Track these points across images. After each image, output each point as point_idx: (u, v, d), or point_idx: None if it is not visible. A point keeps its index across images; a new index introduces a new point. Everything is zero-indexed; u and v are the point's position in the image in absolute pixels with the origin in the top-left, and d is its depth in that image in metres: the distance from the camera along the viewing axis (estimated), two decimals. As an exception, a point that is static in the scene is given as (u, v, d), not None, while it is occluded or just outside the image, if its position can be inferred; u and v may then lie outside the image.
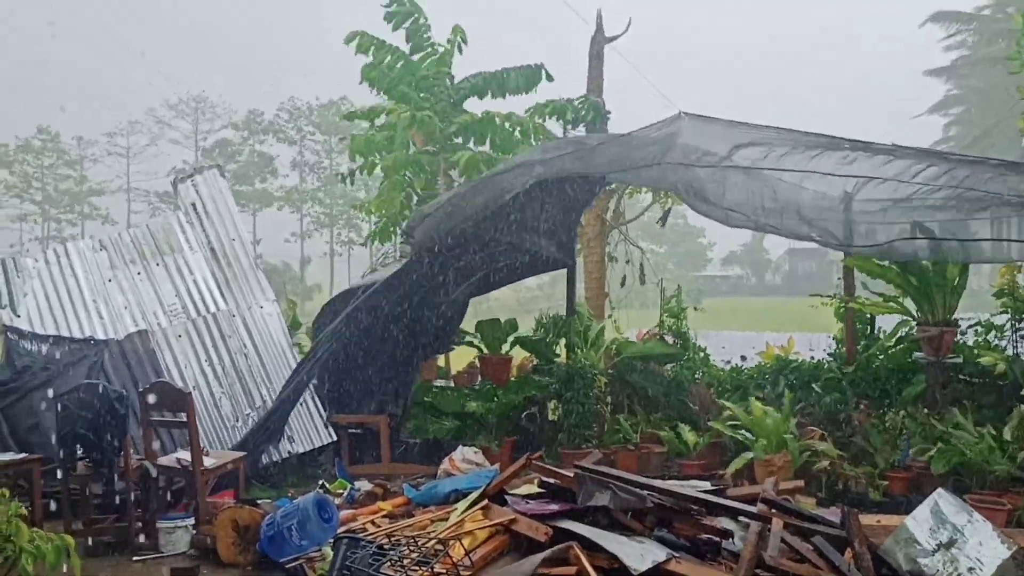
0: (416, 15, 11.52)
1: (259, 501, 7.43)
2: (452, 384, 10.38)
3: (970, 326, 8.58)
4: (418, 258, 9.00)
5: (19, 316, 8.76)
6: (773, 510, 5.74)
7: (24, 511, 4.12)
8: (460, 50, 11.73)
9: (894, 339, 8.76)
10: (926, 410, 7.85)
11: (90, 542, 6.61)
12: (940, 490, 5.27)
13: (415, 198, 11.89)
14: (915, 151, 6.73)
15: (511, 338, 9.98)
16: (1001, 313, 8.56)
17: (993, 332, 8.56)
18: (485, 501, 6.12)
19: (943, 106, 41.23)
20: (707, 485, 6.69)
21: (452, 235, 8.83)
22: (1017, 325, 8.36)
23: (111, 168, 63.54)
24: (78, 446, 6.66)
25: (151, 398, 7.10)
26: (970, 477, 7.24)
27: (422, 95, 11.50)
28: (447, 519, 6.18)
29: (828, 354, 9.08)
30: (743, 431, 8.07)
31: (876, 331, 9.01)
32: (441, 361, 11.03)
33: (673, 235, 58.16)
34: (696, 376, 9.59)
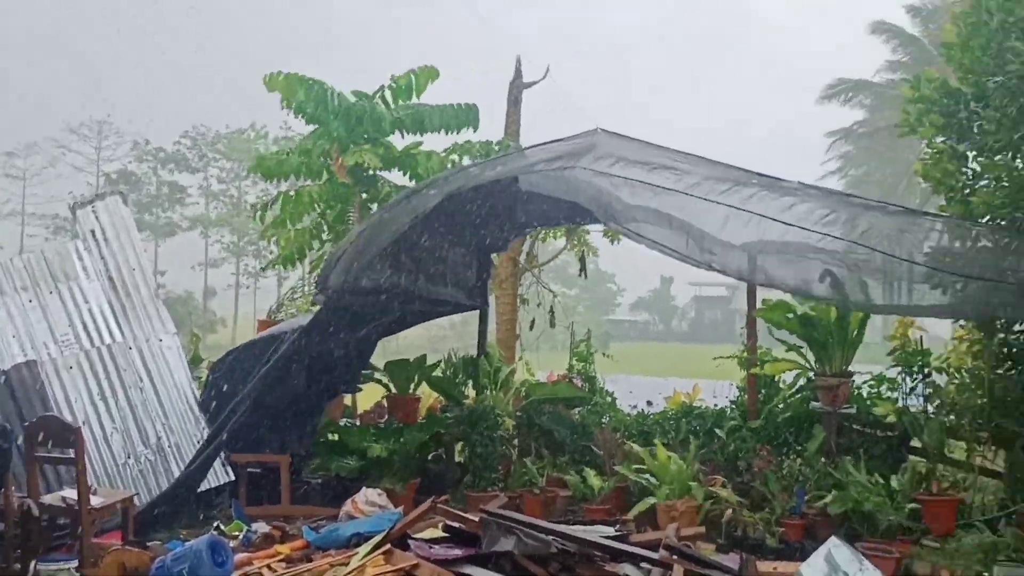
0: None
1: (149, 543, 7.12)
2: (358, 423, 10.22)
3: (865, 382, 8.92)
4: (331, 306, 8.82)
5: None
6: (674, 556, 5.80)
7: None
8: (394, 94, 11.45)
9: (794, 388, 9.02)
10: (823, 458, 8.07)
11: (-38, 585, 6.22)
12: (834, 538, 5.41)
13: (325, 229, 11.68)
14: (821, 192, 6.99)
15: (421, 377, 9.89)
16: (893, 366, 8.91)
17: (886, 384, 8.91)
18: (388, 545, 6.01)
19: (845, 166, 43.15)
20: (611, 530, 6.73)
21: (365, 274, 8.71)
22: (907, 379, 8.72)
23: (5, 190, 61.14)
24: (-46, 483, 6.28)
25: (38, 433, 6.76)
26: (862, 525, 7.44)
27: (348, 124, 11.16)
28: (347, 563, 6.04)
29: (731, 401, 9.28)
30: (647, 476, 8.15)
31: (777, 379, 9.25)
32: (348, 400, 10.85)
33: (585, 279, 58.82)
34: (603, 420, 9.66)
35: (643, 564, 5.86)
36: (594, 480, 8.60)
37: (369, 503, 8.19)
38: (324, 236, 11.69)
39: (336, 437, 9.47)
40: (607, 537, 6.21)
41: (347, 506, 8.21)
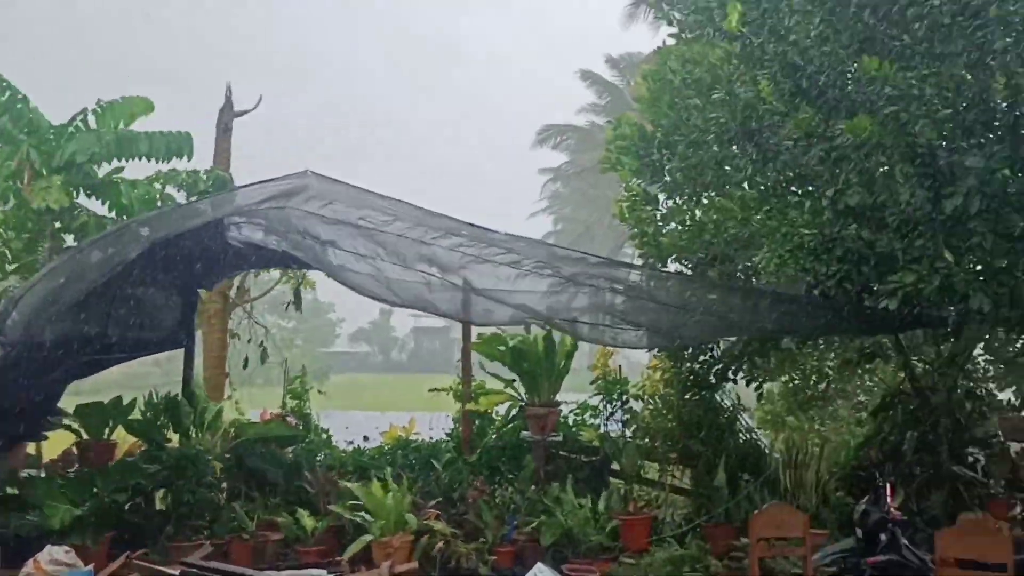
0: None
1: None
2: (43, 474, 9.19)
3: (571, 410, 9.44)
4: (10, 361, 7.81)
5: None
6: (388, 595, 5.74)
7: None
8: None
9: (506, 419, 9.34)
10: (533, 485, 8.40)
11: None
12: (539, 564, 5.64)
13: (9, 259, 10.43)
14: (528, 242, 7.35)
15: (117, 421, 9.10)
16: (596, 395, 9.52)
17: (589, 411, 9.49)
18: (73, 610, 5.44)
19: (553, 203, 45.83)
20: (323, 573, 6.55)
21: (52, 326, 7.79)
22: (607, 406, 9.35)
23: None
24: None
25: None
26: (568, 547, 7.81)
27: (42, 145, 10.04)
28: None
29: (447, 434, 9.43)
30: (362, 513, 8.04)
31: (490, 411, 9.54)
32: (32, 448, 9.73)
33: (303, 310, 57.50)
34: (318, 458, 9.43)
35: (357, 605, 5.76)
36: (307, 521, 8.33)
37: (55, 562, 7.35)
38: (7, 267, 10.42)
39: (15, 491, 8.45)
40: (320, 581, 6.04)
41: (28, 567, 7.34)
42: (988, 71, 6.09)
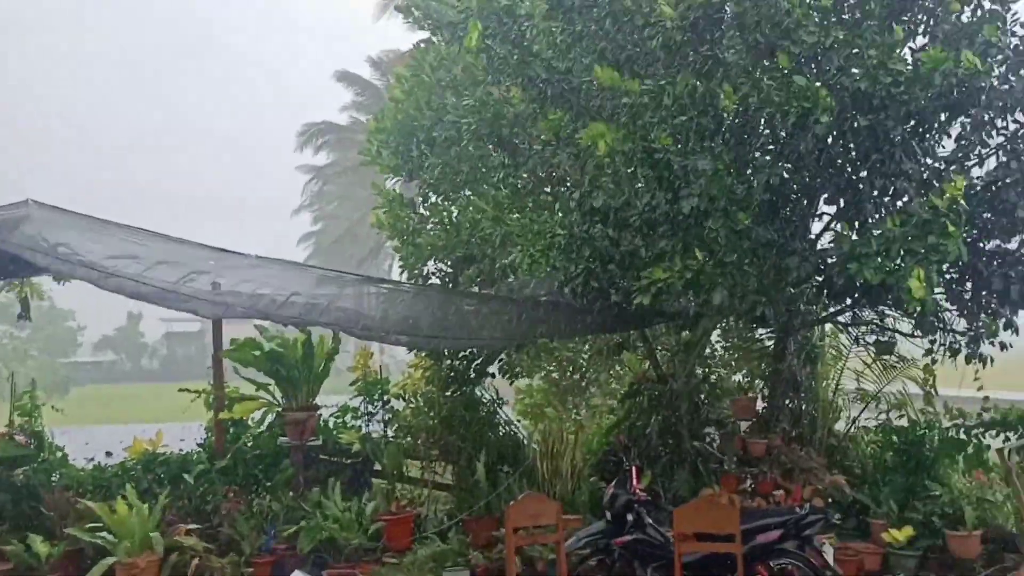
0: None
1: None
2: None
3: (332, 414, 9.27)
4: None
5: None
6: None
7: None
8: None
9: (263, 425, 9.02)
10: (291, 493, 8.16)
11: None
12: (297, 572, 5.47)
13: None
14: (282, 265, 7.18)
15: None
16: (357, 396, 9.41)
17: (350, 413, 9.36)
18: None
19: (315, 202, 44.79)
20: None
21: None
22: (368, 406, 9.27)
23: None
24: None
25: None
26: (331, 552, 7.66)
27: None
28: None
29: (198, 444, 8.97)
30: (104, 534, 7.46)
31: (245, 418, 9.16)
32: None
33: (37, 318, 52.68)
34: (53, 479, 8.65)
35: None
36: (41, 547, 7.61)
37: None
38: None
39: None
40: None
41: None
42: (716, 80, 6.60)
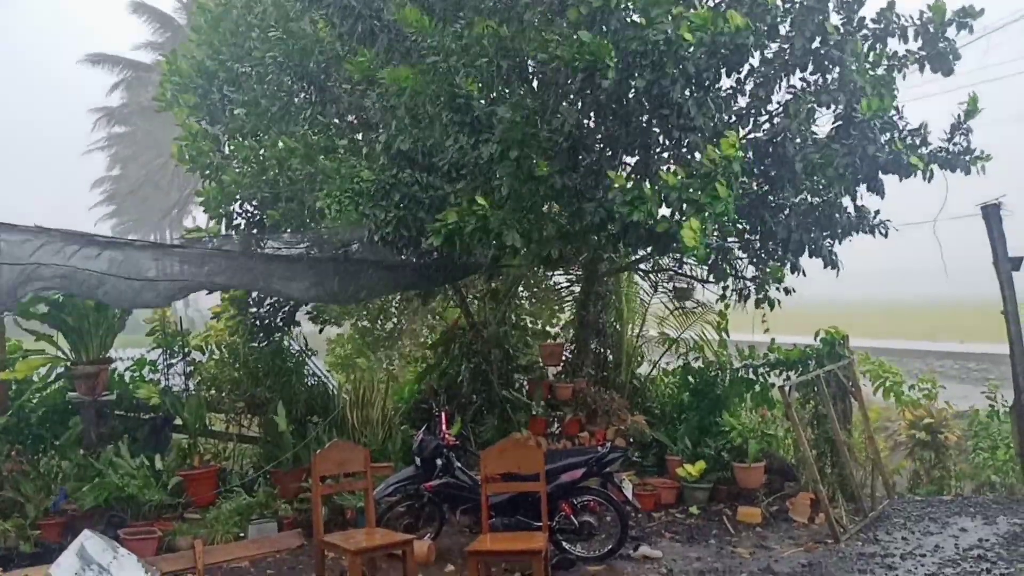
0: None
1: None
2: None
3: (127, 367, 8.77)
4: None
5: None
6: None
7: None
8: None
9: (48, 380, 8.41)
10: (82, 451, 7.68)
11: None
12: (86, 531, 5.16)
13: None
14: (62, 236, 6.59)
15: None
16: (155, 348, 8.94)
17: (147, 367, 8.89)
18: None
19: (110, 145, 41.78)
20: None
21: None
22: (168, 359, 8.82)
23: None
24: None
25: None
26: (125, 510, 7.29)
27: None
28: None
29: (-25, 402, 8.25)
30: None
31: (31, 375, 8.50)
32: None
33: None
34: None
35: None
36: None
37: None
38: None
39: None
40: None
41: None
42: (521, 26, 6.61)
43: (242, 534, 7.27)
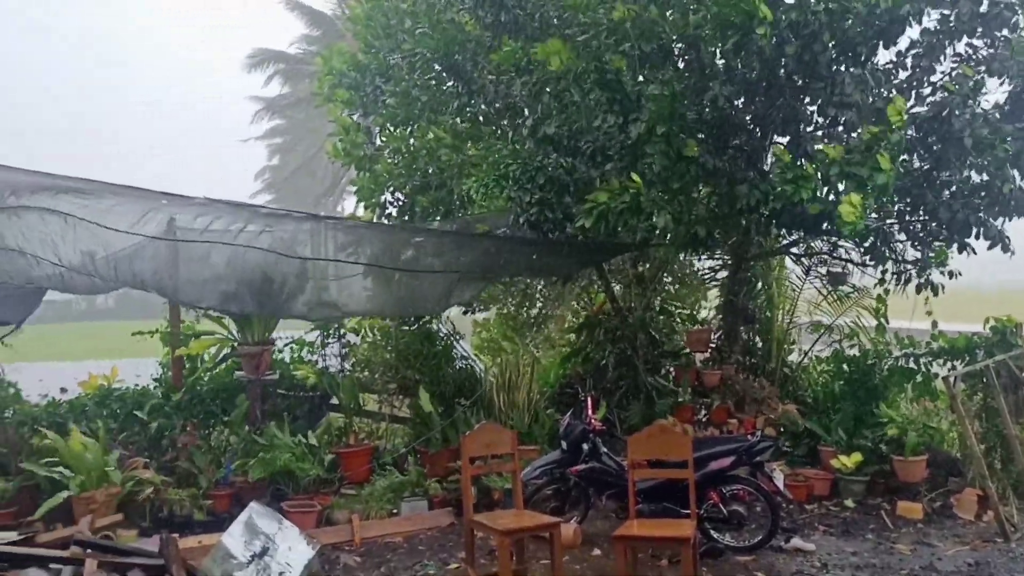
0: None
1: None
2: None
3: (286, 344, 9.21)
4: None
5: None
6: (87, 551, 5.36)
7: None
8: None
9: (218, 360, 8.95)
10: (247, 427, 8.14)
11: None
12: (253, 503, 5.49)
13: None
14: (230, 205, 6.95)
15: None
16: (313, 330, 9.36)
17: (306, 348, 9.32)
18: None
19: (268, 136, 43.77)
20: (13, 535, 5.99)
21: None
22: (325, 340, 9.23)
23: None
24: None
25: None
26: (287, 485, 7.69)
27: None
28: None
29: (154, 379, 8.88)
30: (60, 469, 7.40)
31: (201, 352, 9.08)
32: None
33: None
34: (6, 415, 8.52)
35: (53, 565, 5.32)
36: (-5, 483, 7.55)
37: None
38: None
39: None
40: (6, 543, 5.51)
41: None
42: (666, 6, 6.52)
43: (395, 511, 7.54)
